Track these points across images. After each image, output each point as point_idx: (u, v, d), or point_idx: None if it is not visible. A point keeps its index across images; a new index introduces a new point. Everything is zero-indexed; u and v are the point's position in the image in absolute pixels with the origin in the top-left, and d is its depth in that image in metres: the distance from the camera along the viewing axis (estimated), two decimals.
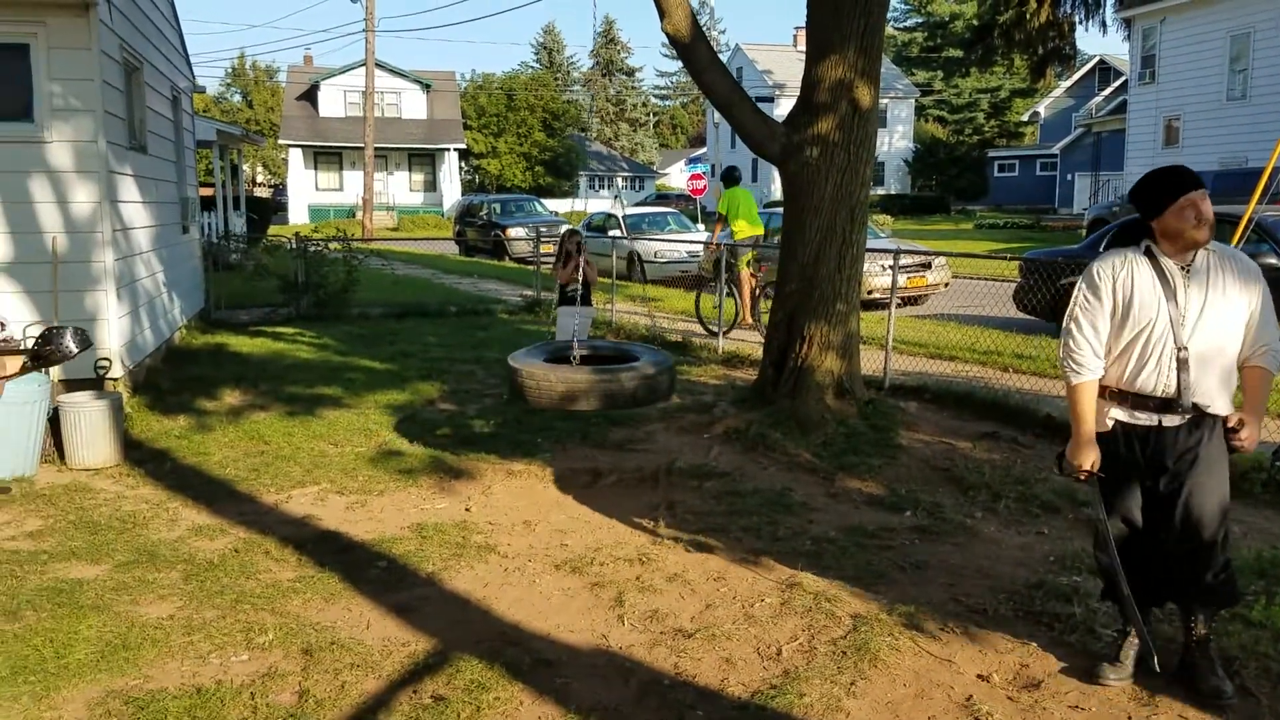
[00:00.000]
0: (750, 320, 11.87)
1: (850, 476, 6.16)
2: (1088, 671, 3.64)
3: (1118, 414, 3.51)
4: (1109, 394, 3.53)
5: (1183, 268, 3.39)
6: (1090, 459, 3.48)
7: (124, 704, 3.58)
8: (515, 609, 4.39)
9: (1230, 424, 3.39)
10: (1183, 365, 3.35)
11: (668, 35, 7.15)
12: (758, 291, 12.01)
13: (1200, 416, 3.40)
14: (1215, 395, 3.39)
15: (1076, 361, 3.49)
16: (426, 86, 47.68)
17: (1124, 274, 3.44)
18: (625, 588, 4.57)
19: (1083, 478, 3.52)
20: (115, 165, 7.82)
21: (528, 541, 5.25)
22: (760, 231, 12.61)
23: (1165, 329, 3.36)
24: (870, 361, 8.50)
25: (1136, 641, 3.60)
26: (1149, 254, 3.42)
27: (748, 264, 12.01)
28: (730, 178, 12.83)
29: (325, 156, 46.51)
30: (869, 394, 7.52)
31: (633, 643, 4.05)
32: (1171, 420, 3.42)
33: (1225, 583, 3.47)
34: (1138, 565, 3.59)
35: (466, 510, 5.76)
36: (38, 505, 5.85)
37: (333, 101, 46.77)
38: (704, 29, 7.12)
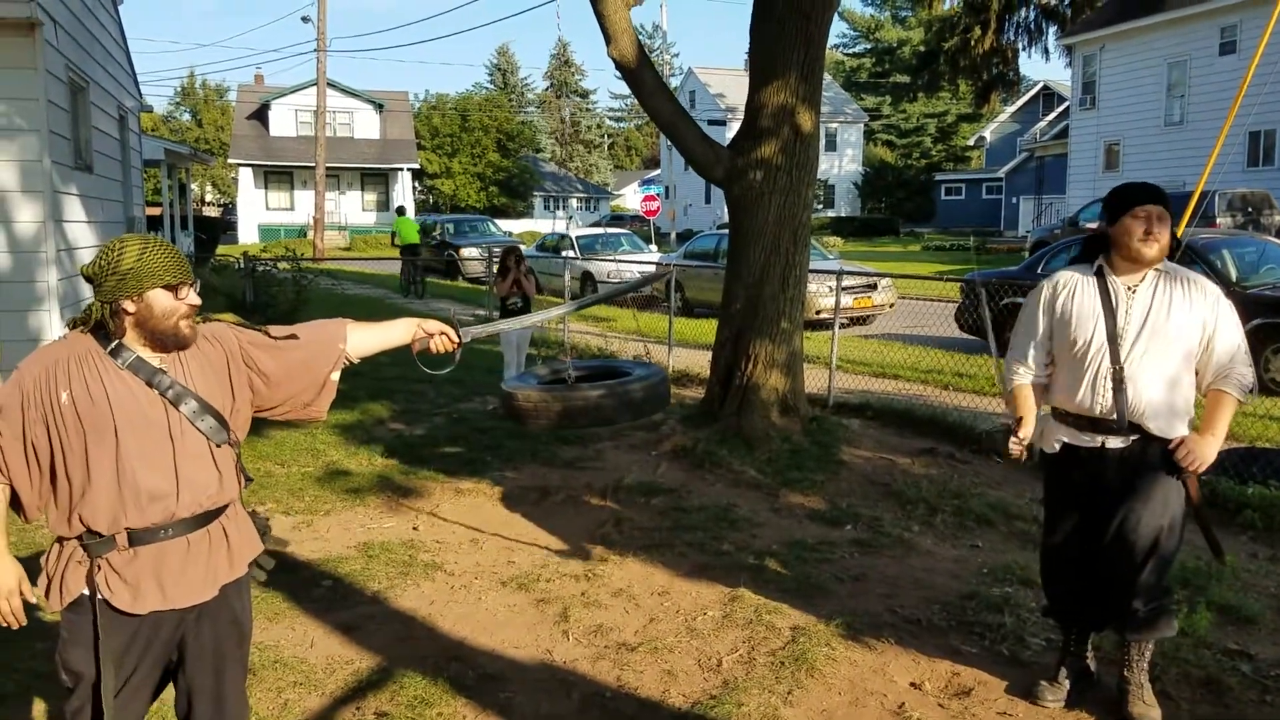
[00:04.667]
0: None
1: (793, 492, 6.28)
2: (1023, 688, 3.72)
3: (1063, 435, 3.49)
4: (1056, 414, 3.54)
5: (1129, 287, 3.35)
6: (1026, 429, 3.48)
7: None
8: (460, 626, 4.44)
9: (1173, 445, 3.31)
10: (1119, 384, 3.31)
11: (613, 60, 7.28)
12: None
13: (1146, 441, 3.34)
14: (1159, 417, 3.31)
15: (1010, 370, 3.63)
16: (379, 106, 47.53)
17: (1065, 292, 3.45)
18: (570, 603, 4.63)
19: (1016, 451, 3.49)
20: (60, 185, 7.78)
21: (475, 559, 5.29)
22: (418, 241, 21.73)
23: (1101, 347, 3.33)
24: (815, 380, 8.66)
25: (1074, 659, 3.67)
26: (1100, 271, 3.41)
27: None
28: (401, 211, 23.13)
29: (276, 176, 46.11)
30: (813, 411, 7.67)
31: (576, 657, 4.12)
32: (1114, 442, 3.36)
33: (1156, 612, 3.42)
34: (1080, 591, 3.57)
35: (414, 529, 5.79)
36: None
37: (284, 121, 46.43)
38: (657, 53, 7.25)
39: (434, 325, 2.87)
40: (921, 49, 46.39)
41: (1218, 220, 16.92)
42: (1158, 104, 26.75)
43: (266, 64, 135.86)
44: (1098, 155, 28.89)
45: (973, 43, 34.57)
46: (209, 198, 65.86)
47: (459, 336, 2.89)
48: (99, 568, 2.36)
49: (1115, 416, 3.32)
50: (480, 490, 6.46)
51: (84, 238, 8.74)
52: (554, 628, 4.40)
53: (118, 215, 10.90)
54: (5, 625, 2.43)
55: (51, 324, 7.45)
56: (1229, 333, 3.29)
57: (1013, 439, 3.50)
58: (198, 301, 2.42)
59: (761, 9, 7.22)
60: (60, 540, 2.43)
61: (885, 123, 59.00)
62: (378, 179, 47.62)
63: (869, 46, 63.33)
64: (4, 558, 2.38)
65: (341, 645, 4.25)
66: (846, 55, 63.47)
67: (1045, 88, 46.86)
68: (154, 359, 2.40)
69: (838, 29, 58.62)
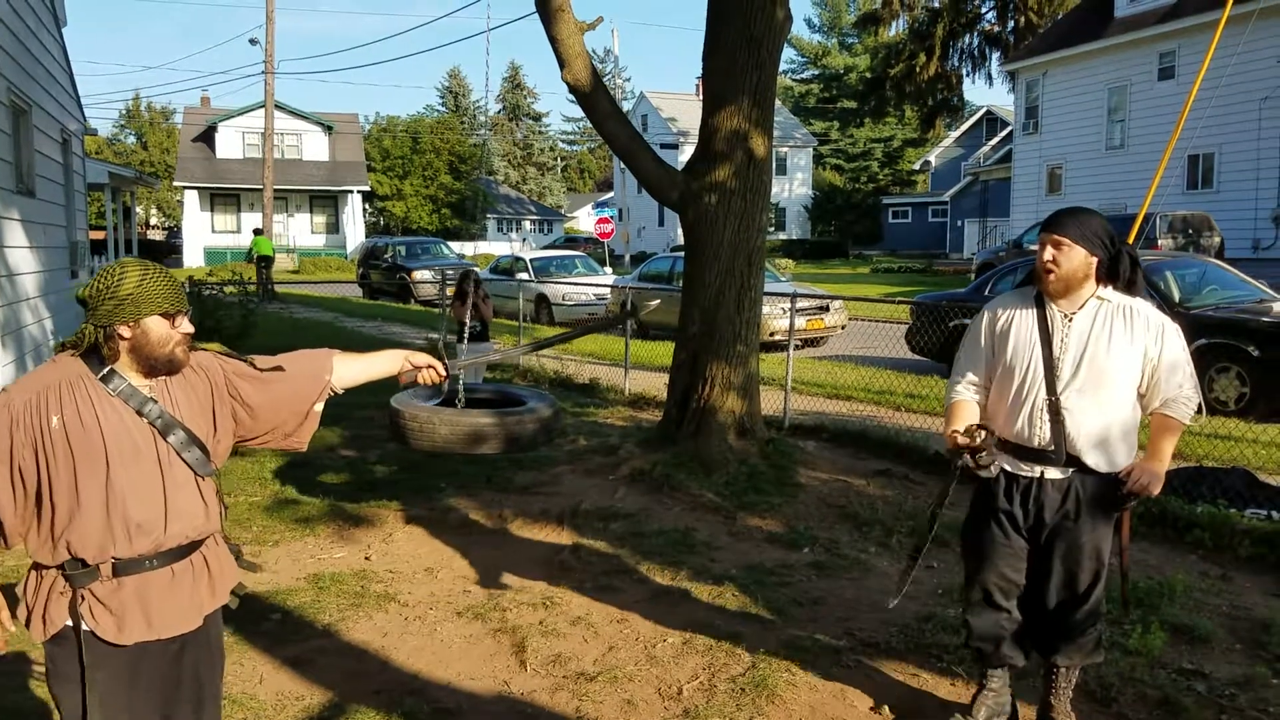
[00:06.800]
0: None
1: (751, 515, 6.26)
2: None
3: (1003, 463, 3.37)
4: (996, 442, 3.37)
5: (1066, 315, 3.27)
6: (965, 435, 3.25)
7: None
8: (415, 658, 4.35)
9: (1124, 471, 3.24)
10: (1056, 415, 3.23)
11: (568, 85, 7.28)
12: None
13: (1085, 473, 3.26)
14: (1098, 451, 3.24)
15: (951, 387, 3.56)
16: (328, 128, 47.16)
17: (1004, 318, 3.39)
18: (528, 633, 4.57)
19: (962, 441, 3.24)
20: (0, 210, 7.58)
21: (429, 589, 5.20)
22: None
23: (1037, 377, 3.26)
24: (771, 402, 8.67)
25: (994, 696, 3.58)
26: (1039, 299, 3.33)
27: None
28: (258, 232, 28.69)
29: (222, 198, 45.53)
30: (769, 433, 7.67)
31: (534, 688, 4.05)
32: (1054, 473, 3.28)
33: (1092, 638, 3.40)
34: (1008, 621, 3.49)
35: (366, 559, 5.68)
36: None
37: (230, 143, 45.89)
38: (609, 77, 7.26)
39: (422, 358, 2.88)
40: (868, 75, 47.02)
41: (1160, 242, 17.32)
42: (1099, 128, 27.38)
43: (213, 86, 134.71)
44: (1041, 179, 29.48)
45: (918, 69, 35.17)
46: (154, 221, 64.84)
47: (447, 369, 2.91)
48: (82, 598, 2.32)
49: (1054, 448, 3.25)
50: (434, 518, 6.36)
51: (25, 263, 8.52)
52: (511, 658, 4.33)
53: (60, 240, 10.65)
54: None
55: None
56: (1174, 359, 3.23)
57: (965, 457, 3.22)
58: (192, 329, 2.44)
59: (713, 35, 7.27)
60: (39, 569, 2.38)
61: (833, 147, 59.73)
62: (327, 201, 47.21)
63: (817, 73, 64.15)
64: None
65: (292, 680, 4.14)
66: (795, 81, 64.22)
67: (989, 113, 47.80)
68: (143, 386, 2.40)
69: (786, 55, 59.31)
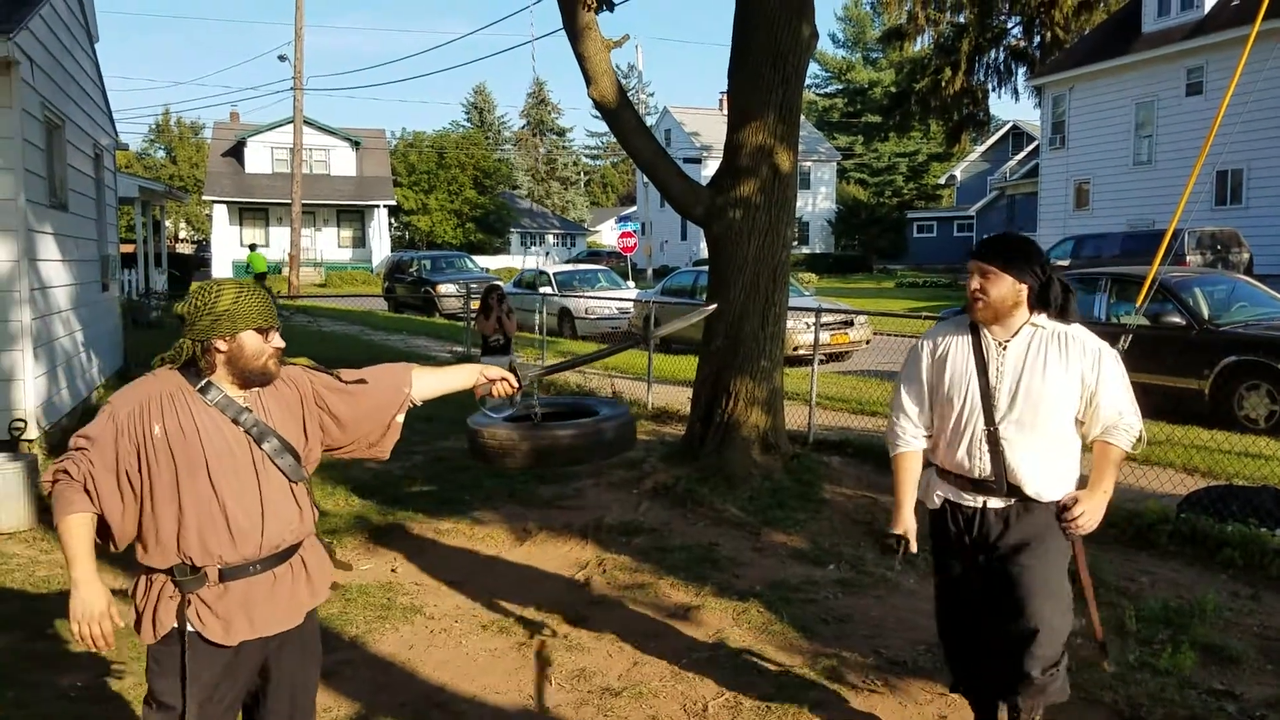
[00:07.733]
0: None
1: (776, 531, 6.25)
2: None
3: (945, 492, 3.34)
4: (938, 471, 3.38)
5: (1000, 343, 3.20)
6: (902, 527, 3.37)
7: None
8: (441, 671, 4.37)
9: (1062, 503, 3.18)
10: (995, 446, 3.17)
11: (594, 101, 7.33)
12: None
13: (1029, 502, 3.20)
14: (1038, 481, 3.17)
15: (893, 434, 3.44)
16: (356, 144, 47.59)
17: (942, 348, 3.31)
18: (553, 647, 4.58)
19: (892, 544, 3.37)
20: (35, 223, 7.71)
21: (455, 601, 5.22)
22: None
23: (975, 407, 3.20)
24: (795, 417, 8.65)
25: None
26: (974, 326, 3.26)
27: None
28: (253, 248, 30.56)
29: (251, 212, 45.99)
30: (794, 449, 7.66)
31: (559, 702, 4.06)
32: (995, 503, 3.22)
33: (1054, 680, 3.21)
34: (978, 654, 3.40)
35: (393, 570, 5.72)
36: None
37: (259, 158, 46.39)
38: (633, 92, 7.31)
39: (495, 371, 3.02)
40: (893, 90, 47.02)
41: (1188, 258, 17.17)
42: (1126, 144, 27.19)
43: (243, 101, 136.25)
44: (1068, 194, 29.28)
45: (943, 83, 35.06)
46: (183, 235, 65.59)
47: (519, 381, 3.04)
48: (189, 602, 2.46)
49: (995, 479, 3.19)
50: (459, 530, 6.39)
51: (58, 276, 8.65)
52: (536, 672, 4.34)
53: (92, 253, 10.79)
54: (96, 649, 2.49)
55: (25, 364, 7.34)
56: (1113, 386, 3.15)
57: (889, 539, 3.36)
58: (283, 344, 2.59)
59: (739, 50, 7.30)
60: (148, 573, 2.52)
61: (858, 161, 59.63)
62: (353, 216, 47.58)
63: (841, 87, 64.13)
64: (94, 583, 2.45)
65: (319, 692, 4.15)
66: (819, 95, 64.24)
67: (1015, 127, 47.60)
68: (239, 397, 2.54)
69: (810, 70, 59.28)
